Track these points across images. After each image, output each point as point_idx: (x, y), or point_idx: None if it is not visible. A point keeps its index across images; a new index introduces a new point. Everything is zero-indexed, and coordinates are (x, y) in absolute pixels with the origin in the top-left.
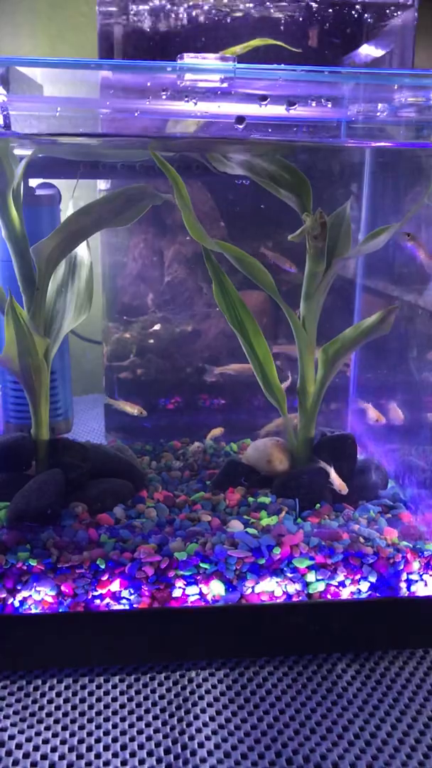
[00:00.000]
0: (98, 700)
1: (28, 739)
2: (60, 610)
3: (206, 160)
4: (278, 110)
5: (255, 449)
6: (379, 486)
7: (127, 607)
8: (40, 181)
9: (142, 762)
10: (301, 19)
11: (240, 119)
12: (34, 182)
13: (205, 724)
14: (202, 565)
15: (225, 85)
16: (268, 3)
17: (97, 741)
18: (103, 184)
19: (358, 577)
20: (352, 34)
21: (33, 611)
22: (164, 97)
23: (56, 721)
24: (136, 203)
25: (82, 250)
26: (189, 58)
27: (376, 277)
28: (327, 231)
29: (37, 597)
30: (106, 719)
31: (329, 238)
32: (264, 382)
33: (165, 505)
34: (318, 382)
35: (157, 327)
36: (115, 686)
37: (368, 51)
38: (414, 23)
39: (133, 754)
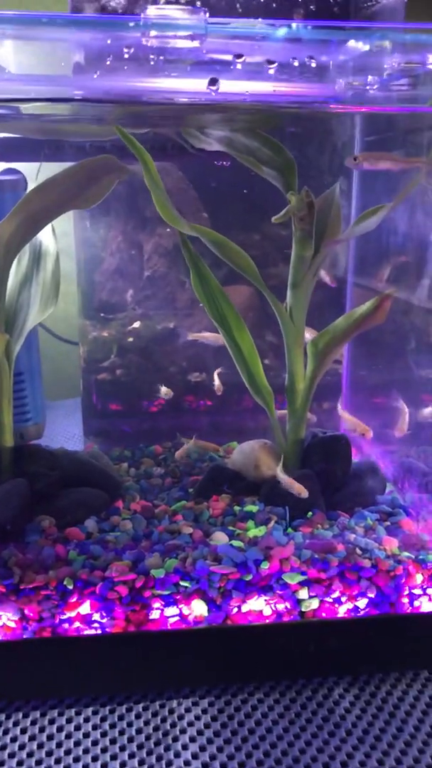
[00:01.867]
0: (68, 736)
1: None
2: (24, 636)
3: (182, 138)
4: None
5: (241, 453)
6: (377, 491)
7: (99, 631)
8: (4, 166)
9: None
10: None
11: (213, 81)
12: None
13: (187, 763)
14: (182, 583)
15: (196, 43)
16: None
17: None
18: None
19: (355, 592)
20: (339, 14)
21: None
22: (127, 56)
23: (19, 764)
24: (100, 178)
25: (47, 239)
26: (154, 9)
27: (368, 270)
28: (314, 212)
29: None
30: (77, 759)
31: (317, 220)
32: (249, 380)
33: (142, 516)
34: (307, 378)
35: (137, 324)
36: (87, 720)
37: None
38: (403, 3)
39: None
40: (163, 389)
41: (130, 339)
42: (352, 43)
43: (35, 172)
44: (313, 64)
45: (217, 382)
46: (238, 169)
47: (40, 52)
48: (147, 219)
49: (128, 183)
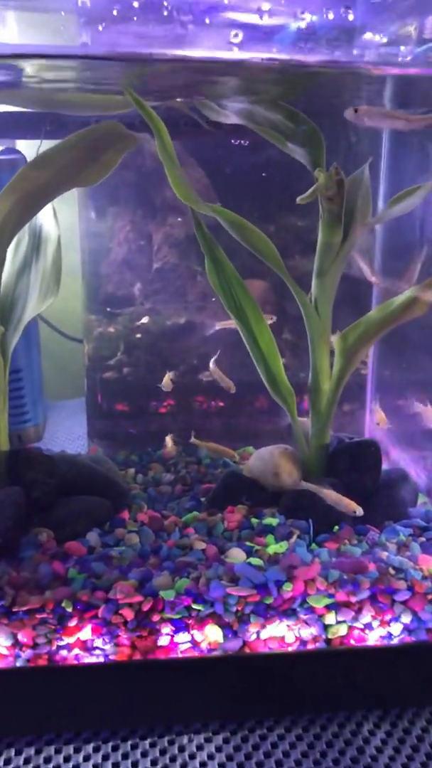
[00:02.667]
0: None
1: None
2: (17, 665)
3: (196, 112)
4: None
5: (259, 459)
6: (408, 502)
7: (101, 659)
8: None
9: None
10: None
11: (236, 34)
12: None
13: None
14: (194, 606)
15: None
16: None
17: None
18: None
19: (388, 617)
20: None
21: None
22: (136, 4)
23: None
24: (105, 150)
25: (48, 223)
26: None
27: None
28: (344, 191)
29: None
30: None
31: (346, 202)
32: (268, 377)
33: (150, 528)
34: (334, 377)
35: (145, 320)
36: (87, 758)
37: None
38: None
39: None
40: (167, 378)
41: (138, 335)
42: None
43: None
44: (350, 17)
45: (212, 367)
46: (255, 151)
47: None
48: (157, 207)
49: (138, 168)
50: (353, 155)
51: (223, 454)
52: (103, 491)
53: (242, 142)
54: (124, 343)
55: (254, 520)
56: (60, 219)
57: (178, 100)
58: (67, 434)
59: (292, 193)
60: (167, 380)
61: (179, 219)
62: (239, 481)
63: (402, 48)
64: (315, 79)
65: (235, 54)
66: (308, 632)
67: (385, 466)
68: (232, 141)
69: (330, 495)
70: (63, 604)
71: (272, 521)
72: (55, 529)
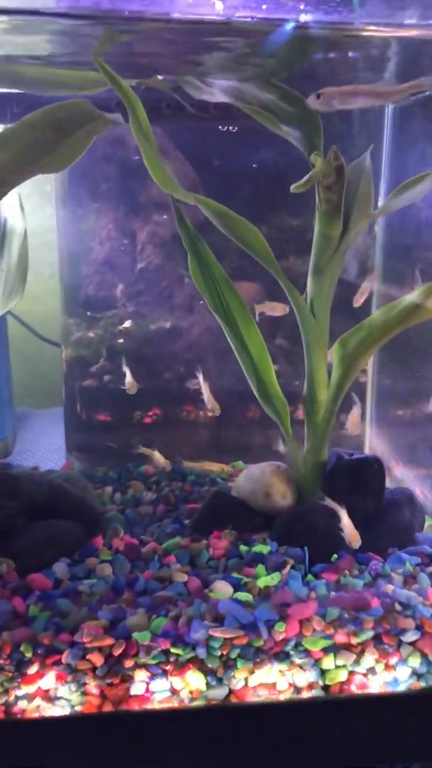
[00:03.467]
0: None
1: None
2: None
3: (181, 94)
4: None
5: (248, 478)
6: (415, 527)
7: (65, 711)
8: None
9: None
10: None
11: None
12: None
13: None
14: (173, 649)
15: None
16: None
17: None
18: None
19: (394, 661)
20: None
21: None
22: None
23: None
24: (72, 131)
25: (12, 215)
26: None
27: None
28: (344, 179)
29: None
30: None
31: (346, 192)
32: (258, 386)
33: (126, 557)
34: (332, 387)
35: (127, 324)
36: None
37: None
38: None
39: None
40: (129, 378)
41: (120, 340)
42: None
43: None
44: None
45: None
46: (246, 141)
47: None
48: (141, 204)
49: (121, 162)
50: (353, 141)
51: (207, 470)
52: (75, 514)
53: (231, 128)
54: (106, 348)
55: (243, 548)
56: (36, 213)
57: (160, 77)
58: (46, 446)
59: (287, 190)
60: (130, 381)
61: (165, 217)
62: (226, 503)
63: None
64: (312, 49)
65: (219, 6)
66: (303, 678)
67: (388, 484)
68: (220, 127)
69: (343, 518)
70: (22, 648)
71: (263, 549)
72: (17, 559)
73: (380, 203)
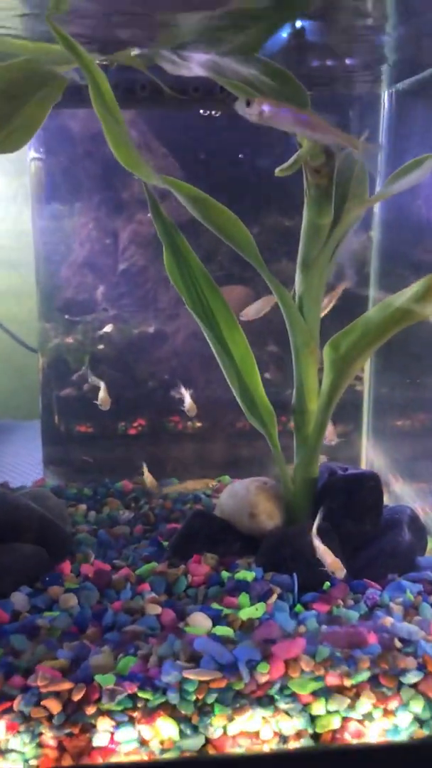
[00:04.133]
0: None
1: None
2: None
3: (157, 75)
4: None
5: (232, 496)
6: (416, 549)
7: (18, 766)
8: None
9: None
10: None
11: None
12: None
13: None
14: (141, 693)
15: None
16: None
17: None
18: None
19: (394, 705)
20: None
21: None
22: None
23: None
24: (26, 99)
25: None
26: None
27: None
28: (335, 162)
29: None
30: None
31: (338, 179)
32: (242, 394)
33: (95, 584)
34: (324, 395)
35: (108, 329)
36: None
37: None
38: None
39: None
40: (102, 394)
41: (101, 346)
42: None
43: None
44: None
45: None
46: (227, 119)
47: None
48: (123, 203)
49: (101, 157)
50: (345, 126)
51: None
52: (40, 536)
53: (213, 112)
54: (89, 355)
55: (225, 574)
56: (11, 210)
57: (133, 53)
58: (27, 460)
59: (279, 186)
60: (104, 396)
61: (149, 215)
62: (207, 524)
63: None
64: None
65: None
66: (290, 726)
67: (386, 502)
68: (201, 111)
69: (318, 547)
70: None
71: (247, 575)
72: None
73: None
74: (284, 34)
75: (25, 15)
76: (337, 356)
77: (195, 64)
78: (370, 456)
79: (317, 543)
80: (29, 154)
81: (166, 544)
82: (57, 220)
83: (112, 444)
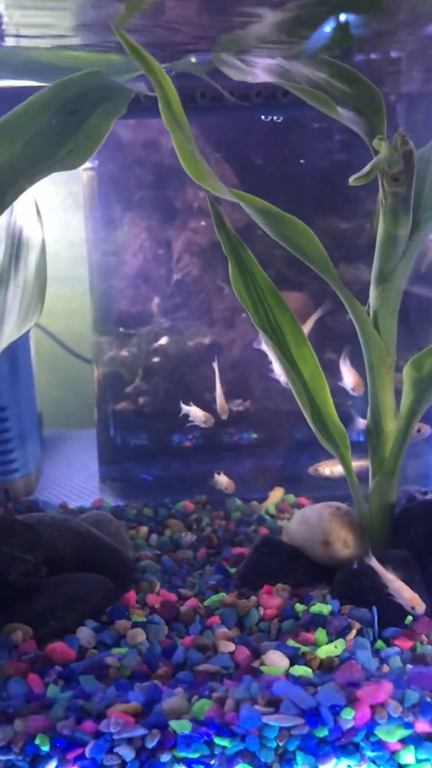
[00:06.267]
0: None
1: None
2: None
3: (217, 81)
4: None
5: (303, 523)
6: None
7: None
8: None
9: None
10: None
11: None
12: None
13: None
14: (218, 741)
15: None
16: None
17: None
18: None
19: None
20: None
21: None
22: None
23: None
24: (89, 112)
25: (29, 223)
26: None
27: None
28: (414, 167)
29: None
30: None
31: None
32: (313, 416)
33: (162, 617)
34: (403, 416)
35: (163, 341)
36: None
37: None
38: None
39: None
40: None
41: (156, 359)
42: None
43: None
44: None
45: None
46: (290, 133)
47: None
48: (177, 211)
49: (154, 166)
50: (414, 128)
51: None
52: (104, 565)
53: (275, 118)
54: (142, 368)
55: (299, 606)
56: (63, 222)
57: (192, 59)
58: (79, 473)
59: (335, 189)
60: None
61: (203, 223)
62: (277, 552)
63: None
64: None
65: None
66: None
67: None
68: (263, 117)
69: (392, 582)
70: (37, 740)
71: (323, 608)
72: (36, 625)
73: None
74: (327, 29)
75: (75, 27)
76: (419, 376)
77: (260, 70)
78: None
79: (390, 576)
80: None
81: (232, 571)
82: (111, 230)
83: (167, 458)
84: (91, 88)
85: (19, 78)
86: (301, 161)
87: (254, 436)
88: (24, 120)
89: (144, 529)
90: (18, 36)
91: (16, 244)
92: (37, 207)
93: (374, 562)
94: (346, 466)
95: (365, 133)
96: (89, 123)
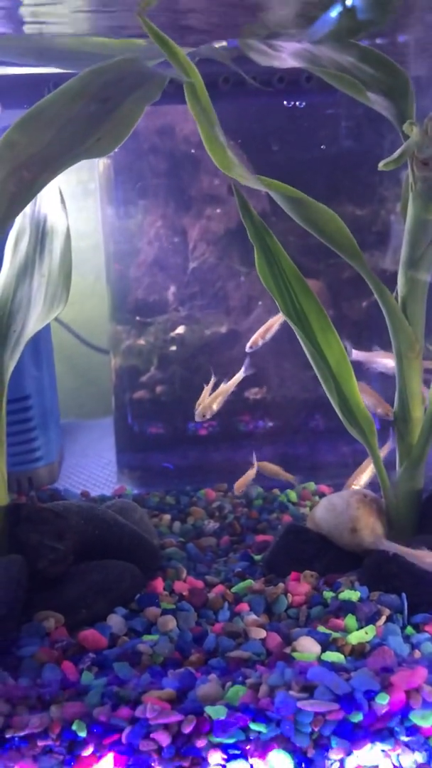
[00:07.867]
0: None
1: None
2: None
3: (241, 66)
4: None
5: (330, 510)
6: None
7: None
8: None
9: None
10: None
11: None
12: None
13: None
14: (253, 726)
15: None
16: None
17: None
18: None
19: None
20: None
21: None
22: None
23: None
24: (120, 101)
25: (54, 212)
26: None
27: None
28: None
29: None
30: None
31: None
32: (341, 403)
33: (191, 603)
34: (431, 402)
35: (180, 330)
36: None
37: None
38: None
39: None
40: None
41: (173, 348)
42: None
43: None
44: None
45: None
46: (311, 117)
47: None
48: (192, 199)
49: (169, 153)
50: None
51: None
52: (130, 552)
53: (298, 103)
54: (158, 356)
55: (327, 593)
56: (80, 213)
57: (217, 45)
58: (95, 462)
59: (351, 175)
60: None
61: (218, 211)
62: (303, 539)
63: None
64: None
65: None
66: (411, 760)
67: None
68: (285, 103)
69: (421, 557)
70: (74, 726)
71: (352, 595)
72: (67, 612)
73: None
74: (333, 13)
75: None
76: None
77: (288, 54)
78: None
79: (420, 553)
80: None
81: (257, 558)
82: (127, 219)
83: (183, 448)
84: (125, 75)
85: (42, 65)
86: (322, 146)
87: (270, 424)
88: (56, 108)
89: (167, 517)
90: (40, 25)
91: (41, 233)
92: (61, 195)
93: (389, 544)
94: (373, 452)
95: (394, 117)
96: (120, 110)
